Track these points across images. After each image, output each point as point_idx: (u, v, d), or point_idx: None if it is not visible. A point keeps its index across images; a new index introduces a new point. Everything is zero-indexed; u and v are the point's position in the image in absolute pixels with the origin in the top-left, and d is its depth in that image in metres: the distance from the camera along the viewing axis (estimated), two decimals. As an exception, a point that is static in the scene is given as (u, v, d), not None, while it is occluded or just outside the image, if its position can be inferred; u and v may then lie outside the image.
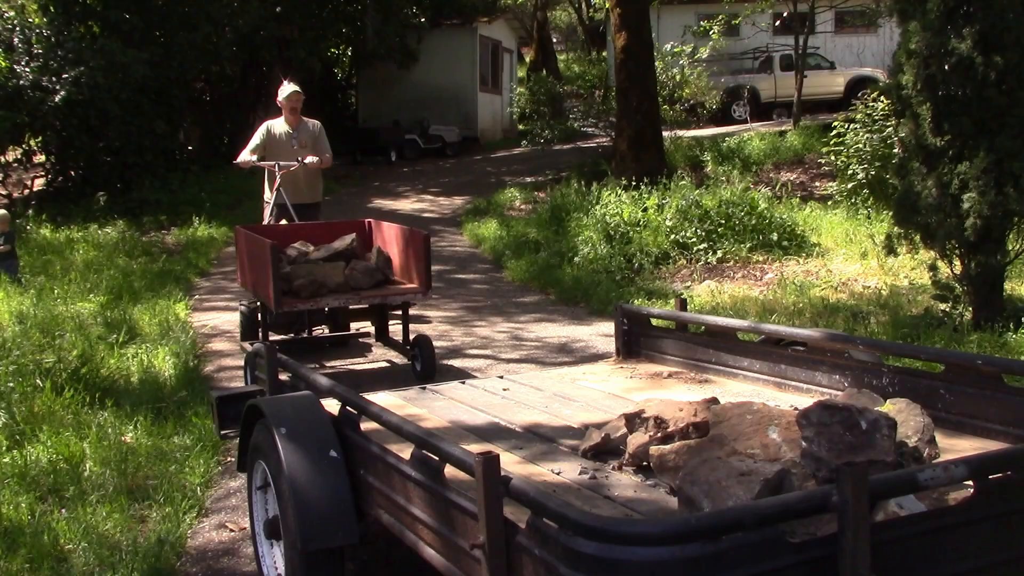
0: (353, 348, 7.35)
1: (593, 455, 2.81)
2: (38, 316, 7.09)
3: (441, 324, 7.99)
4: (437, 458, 2.34)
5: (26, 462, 4.47)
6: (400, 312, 6.51)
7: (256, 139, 7.66)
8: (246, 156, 7.52)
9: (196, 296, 9.49)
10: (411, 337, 6.42)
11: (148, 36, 16.20)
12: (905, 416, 2.55)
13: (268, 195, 7.71)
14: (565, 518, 1.79)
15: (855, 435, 2.17)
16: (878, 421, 2.20)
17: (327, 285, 5.97)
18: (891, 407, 2.61)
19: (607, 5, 18.16)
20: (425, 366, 6.12)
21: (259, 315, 6.70)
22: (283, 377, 3.82)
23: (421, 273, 6.03)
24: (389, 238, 6.62)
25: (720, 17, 19.07)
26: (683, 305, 4.22)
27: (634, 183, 12.54)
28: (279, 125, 7.68)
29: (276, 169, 7.32)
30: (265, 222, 7.63)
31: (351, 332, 7.19)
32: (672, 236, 10.38)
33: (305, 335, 6.91)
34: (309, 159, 7.41)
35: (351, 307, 6.50)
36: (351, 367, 6.83)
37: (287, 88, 7.66)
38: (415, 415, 3.44)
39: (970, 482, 1.99)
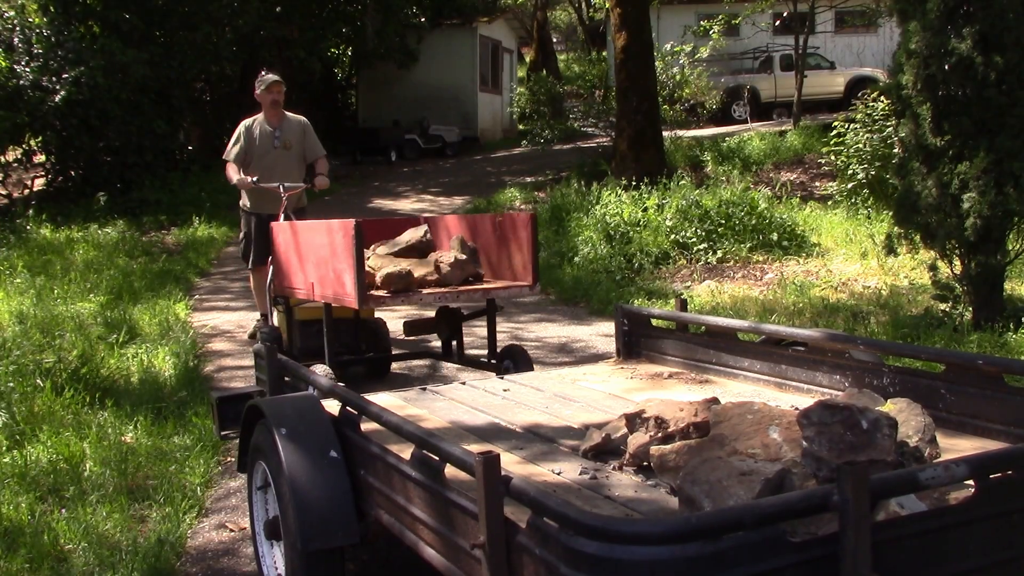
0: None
1: (593, 455, 2.80)
2: (38, 316, 7.09)
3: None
4: (437, 458, 2.33)
5: (26, 462, 4.47)
6: (475, 319, 5.59)
7: (236, 143, 6.83)
8: (236, 173, 6.72)
9: (196, 296, 9.48)
10: (498, 348, 5.35)
11: (148, 36, 16.21)
12: (906, 416, 2.55)
13: (245, 201, 7.05)
14: (566, 517, 1.79)
15: (856, 435, 2.17)
16: (879, 421, 2.20)
17: (415, 279, 4.84)
18: (892, 407, 2.61)
19: (607, 5, 18.16)
20: None
21: (289, 333, 5.78)
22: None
23: (527, 264, 4.92)
24: (465, 231, 5.51)
25: (720, 17, 19.08)
26: (683, 305, 4.22)
27: (634, 183, 12.54)
28: (259, 123, 6.85)
29: (281, 191, 6.52)
30: (243, 232, 7.11)
31: (394, 354, 6.06)
32: (672, 236, 10.38)
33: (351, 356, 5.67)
34: (319, 180, 6.75)
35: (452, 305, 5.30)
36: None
37: (266, 78, 6.83)
38: (415, 416, 3.44)
39: (971, 481, 1.99)
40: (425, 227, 5.34)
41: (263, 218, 6.78)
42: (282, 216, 6.40)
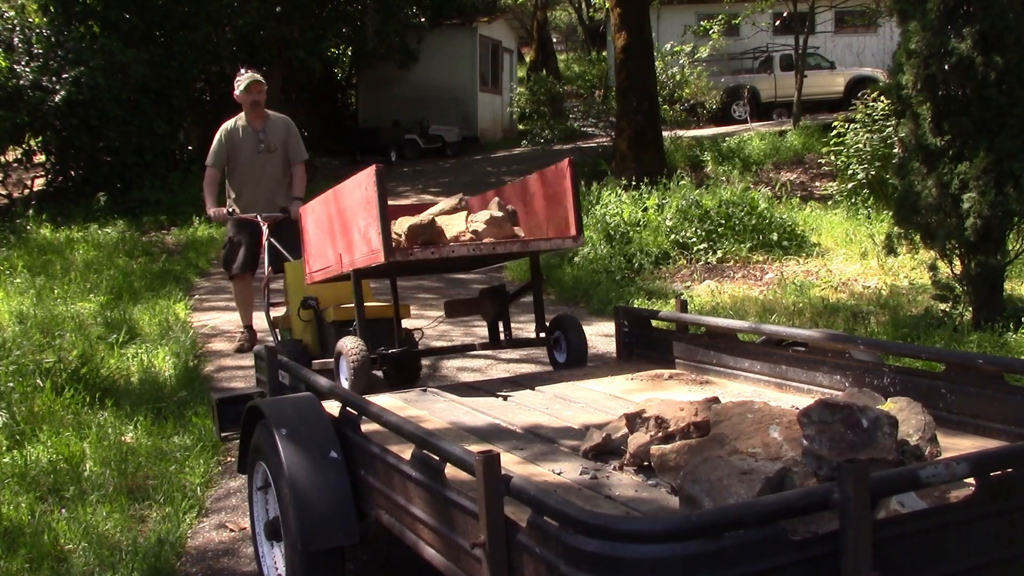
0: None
1: (594, 455, 2.80)
2: (38, 316, 7.09)
3: (441, 324, 7.99)
4: (437, 458, 2.33)
5: (26, 462, 4.47)
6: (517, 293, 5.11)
7: (217, 148, 6.40)
8: (212, 200, 6.36)
9: (196, 296, 9.48)
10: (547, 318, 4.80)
11: (148, 36, 16.22)
12: (906, 415, 2.55)
13: (233, 207, 6.54)
14: (566, 516, 1.79)
15: (856, 433, 2.17)
16: (879, 419, 2.20)
17: (445, 235, 4.37)
18: (892, 406, 2.61)
19: (607, 5, 18.16)
20: (573, 353, 4.56)
21: (316, 332, 5.37)
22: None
23: (568, 215, 4.42)
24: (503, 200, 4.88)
25: (720, 17, 19.08)
26: (683, 306, 4.22)
27: (634, 183, 12.55)
28: (241, 125, 6.45)
29: (259, 220, 6.14)
30: (228, 237, 6.72)
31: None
32: (672, 236, 10.38)
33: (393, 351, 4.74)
34: (294, 208, 6.10)
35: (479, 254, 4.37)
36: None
37: (245, 77, 6.38)
38: (415, 416, 3.44)
39: (971, 479, 1.99)
40: (460, 195, 4.83)
41: (250, 226, 6.47)
42: (265, 243, 6.12)
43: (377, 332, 4.83)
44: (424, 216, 4.49)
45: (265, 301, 5.87)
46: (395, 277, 5.28)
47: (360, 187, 4.19)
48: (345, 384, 4.29)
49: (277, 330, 5.89)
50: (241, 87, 6.32)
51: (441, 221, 4.46)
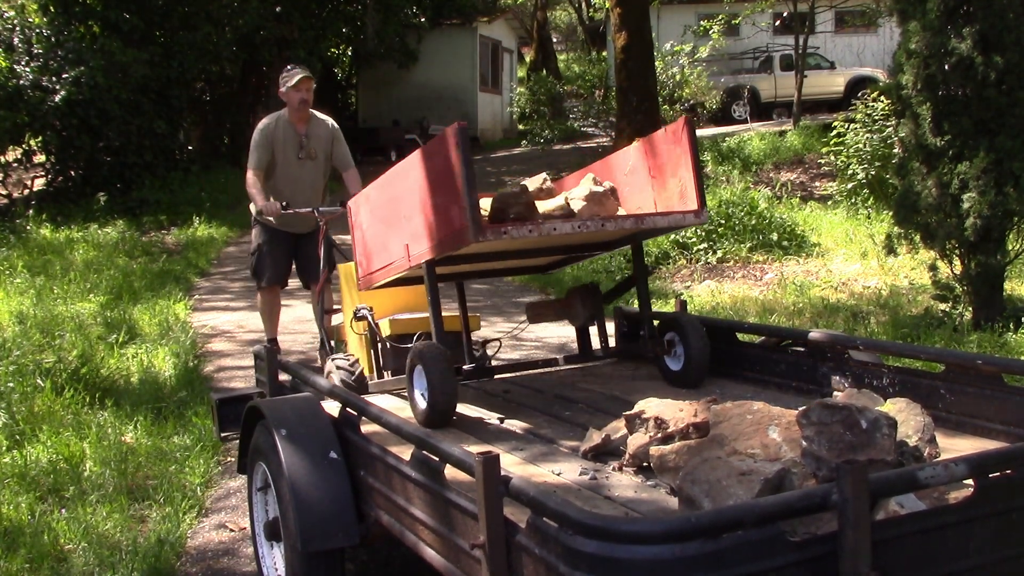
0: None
1: (593, 456, 2.80)
2: (38, 316, 7.09)
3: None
4: (437, 458, 2.34)
5: (26, 462, 4.47)
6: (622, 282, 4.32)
7: (258, 150, 5.78)
8: (260, 194, 5.69)
9: (196, 296, 9.48)
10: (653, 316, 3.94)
11: (148, 36, 16.21)
12: (905, 415, 2.55)
13: (259, 208, 5.87)
14: (565, 517, 1.79)
15: (855, 434, 2.17)
16: (878, 420, 2.20)
17: (537, 211, 3.55)
18: (891, 407, 2.61)
19: (607, 5, 18.16)
20: (694, 361, 3.65)
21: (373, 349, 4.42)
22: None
23: (687, 186, 3.53)
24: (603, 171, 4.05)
25: (720, 17, 19.08)
26: (683, 307, 4.21)
27: (634, 183, 12.53)
28: (283, 126, 5.85)
29: (316, 214, 5.48)
30: (256, 244, 6.10)
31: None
32: (672, 236, 10.38)
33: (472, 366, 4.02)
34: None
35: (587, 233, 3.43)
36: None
37: (295, 72, 5.80)
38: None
39: (970, 480, 1.99)
40: (544, 175, 4.08)
41: (281, 234, 6.02)
42: (322, 245, 5.45)
43: (446, 346, 3.88)
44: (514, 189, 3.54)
45: (320, 307, 5.28)
46: (462, 280, 4.43)
47: (436, 154, 3.30)
48: (423, 407, 3.28)
49: (332, 341, 5.26)
50: (291, 83, 5.74)
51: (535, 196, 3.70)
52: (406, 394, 3.48)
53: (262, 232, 6.07)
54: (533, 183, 3.92)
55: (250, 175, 5.79)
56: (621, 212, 3.68)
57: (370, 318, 4.41)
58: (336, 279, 5.28)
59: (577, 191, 3.66)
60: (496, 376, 4.08)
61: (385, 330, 4.45)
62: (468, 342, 4.31)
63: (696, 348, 3.65)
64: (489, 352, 4.59)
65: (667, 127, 3.70)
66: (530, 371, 4.26)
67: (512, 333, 6.20)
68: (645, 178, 3.77)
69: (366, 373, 4.36)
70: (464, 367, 3.85)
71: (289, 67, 5.97)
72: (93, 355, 6.09)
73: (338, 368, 4.16)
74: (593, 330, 4.30)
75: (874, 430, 2.18)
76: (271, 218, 5.84)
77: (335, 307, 5.39)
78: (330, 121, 6.05)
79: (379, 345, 4.46)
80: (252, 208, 6.09)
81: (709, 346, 3.68)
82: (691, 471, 2.20)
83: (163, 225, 13.73)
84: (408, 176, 3.52)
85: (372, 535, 2.86)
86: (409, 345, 4.08)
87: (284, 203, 5.57)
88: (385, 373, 4.38)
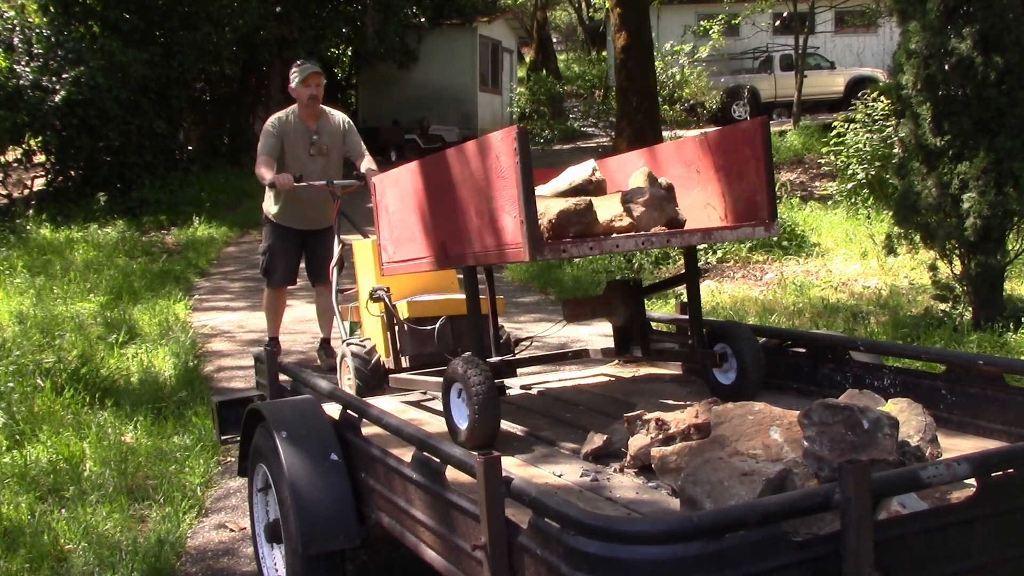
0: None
1: (594, 458, 2.80)
2: (38, 316, 7.09)
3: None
4: (438, 460, 2.33)
5: (26, 462, 4.47)
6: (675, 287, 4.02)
7: (269, 141, 5.71)
8: (270, 170, 5.62)
9: (196, 296, 9.48)
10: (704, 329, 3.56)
11: (148, 36, 16.22)
12: (907, 416, 2.55)
13: (271, 209, 5.93)
14: (567, 517, 1.79)
15: (857, 434, 2.17)
16: (880, 420, 2.19)
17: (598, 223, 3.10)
18: (892, 407, 2.61)
19: (607, 5, 18.17)
20: (748, 374, 3.33)
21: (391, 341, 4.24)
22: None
23: (757, 195, 3.21)
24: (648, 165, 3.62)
25: (720, 17, 19.10)
26: (683, 307, 4.21)
27: (634, 183, 12.53)
28: (293, 121, 5.77)
29: (329, 187, 5.49)
30: (266, 244, 6.09)
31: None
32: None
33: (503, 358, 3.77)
34: (371, 173, 5.30)
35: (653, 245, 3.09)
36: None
37: (304, 67, 5.73)
38: (415, 419, 3.44)
39: (972, 480, 1.99)
40: (592, 163, 3.53)
41: (293, 233, 5.97)
42: (336, 223, 5.46)
43: (464, 332, 3.75)
44: (577, 199, 3.15)
45: (334, 287, 5.24)
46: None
47: (490, 152, 2.95)
48: (463, 429, 3.01)
49: (346, 323, 5.19)
50: (298, 79, 5.66)
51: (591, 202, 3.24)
52: (425, 391, 3.42)
53: (272, 231, 6.04)
54: (580, 173, 3.46)
55: (260, 159, 5.73)
56: (680, 215, 3.30)
57: (387, 299, 4.25)
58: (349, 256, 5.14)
59: (634, 193, 3.23)
60: (519, 370, 3.87)
61: (403, 312, 4.26)
62: (495, 329, 3.94)
63: (751, 360, 3.33)
64: (517, 351, 4.39)
65: (739, 124, 3.39)
66: (550, 367, 4.12)
67: (547, 333, 5.98)
68: (706, 177, 3.43)
69: (383, 359, 4.27)
70: (490, 360, 3.46)
71: (299, 62, 5.90)
72: (93, 355, 6.09)
73: (353, 355, 4.04)
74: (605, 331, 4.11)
75: (876, 430, 2.18)
76: (272, 210, 5.82)
77: (346, 288, 5.33)
78: (341, 116, 5.98)
79: (396, 328, 4.27)
80: (264, 206, 6.08)
81: (764, 361, 3.35)
82: (693, 472, 2.19)
83: (163, 225, 13.73)
84: (452, 170, 3.16)
85: (373, 537, 2.85)
86: (428, 328, 4.03)
87: (298, 175, 5.46)
88: (402, 358, 4.24)
